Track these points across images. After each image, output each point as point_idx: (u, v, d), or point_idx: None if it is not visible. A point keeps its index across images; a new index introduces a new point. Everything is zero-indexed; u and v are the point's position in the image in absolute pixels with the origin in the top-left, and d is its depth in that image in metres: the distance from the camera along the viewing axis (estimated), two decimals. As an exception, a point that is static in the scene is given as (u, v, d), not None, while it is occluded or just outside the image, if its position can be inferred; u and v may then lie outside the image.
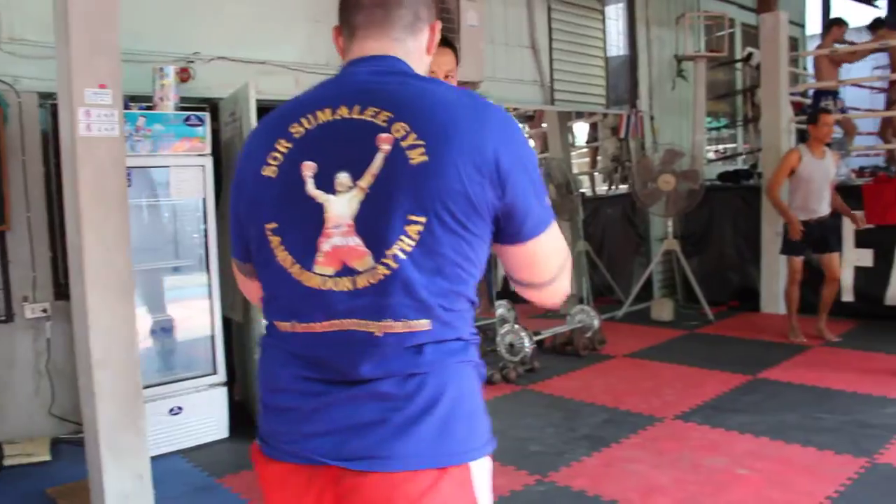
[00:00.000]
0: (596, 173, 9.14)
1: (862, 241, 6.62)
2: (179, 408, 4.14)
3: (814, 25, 12.32)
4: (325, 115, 1.24)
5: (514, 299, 6.61)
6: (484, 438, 1.28)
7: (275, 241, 1.25)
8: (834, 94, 7.98)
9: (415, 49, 1.34)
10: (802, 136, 9.09)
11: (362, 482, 1.19)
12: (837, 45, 7.89)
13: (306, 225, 1.22)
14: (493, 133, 1.19)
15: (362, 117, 1.21)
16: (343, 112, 1.23)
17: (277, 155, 1.26)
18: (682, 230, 7.74)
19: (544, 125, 7.73)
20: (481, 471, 1.26)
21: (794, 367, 5.32)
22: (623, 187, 8.10)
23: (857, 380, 4.90)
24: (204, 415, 4.23)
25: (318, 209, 1.20)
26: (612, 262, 7.85)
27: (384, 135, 1.18)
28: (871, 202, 6.59)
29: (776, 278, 6.93)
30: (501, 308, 6.18)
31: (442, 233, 1.17)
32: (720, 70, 9.58)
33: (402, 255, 1.17)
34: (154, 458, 3.51)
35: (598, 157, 8.69)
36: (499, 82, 6.51)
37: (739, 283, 7.57)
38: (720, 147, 10.51)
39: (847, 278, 6.68)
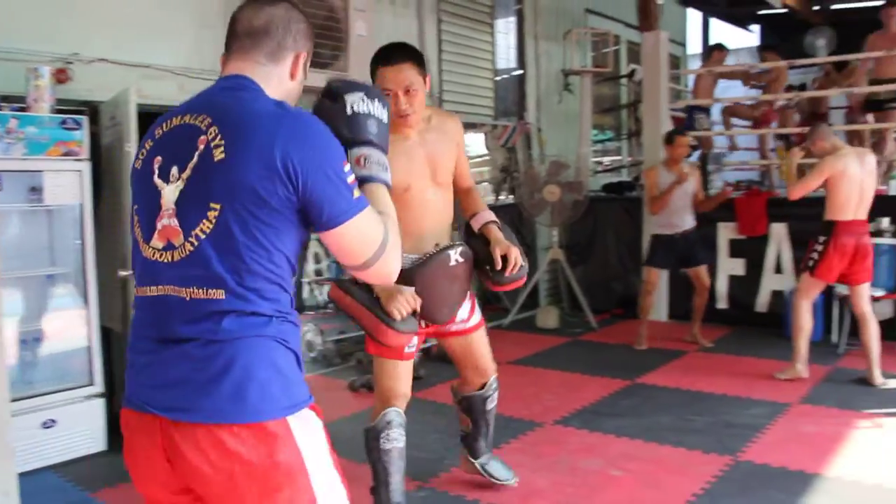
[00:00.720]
0: (485, 183, 9.28)
1: (734, 251, 6.96)
2: (53, 420, 3.96)
3: (694, 45, 12.93)
4: (176, 121, 1.53)
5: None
6: (282, 403, 1.47)
7: (135, 219, 1.56)
8: (707, 110, 8.38)
9: (275, 73, 1.60)
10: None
11: (176, 430, 1.43)
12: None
13: (150, 207, 1.50)
14: (286, 137, 1.42)
15: (194, 122, 1.49)
16: (187, 119, 1.51)
17: (143, 152, 1.57)
18: (567, 240, 7.94)
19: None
20: (300, 428, 1.48)
21: (670, 371, 5.54)
22: (511, 197, 8.26)
23: (727, 383, 5.14)
24: (79, 427, 4.06)
25: (158, 195, 1.49)
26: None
27: (202, 136, 1.46)
28: (743, 214, 6.93)
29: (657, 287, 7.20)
30: (391, 316, 6.20)
31: (234, 219, 1.42)
32: (606, 85, 9.89)
33: (202, 235, 1.43)
34: (24, 475, 3.37)
35: (487, 168, 8.84)
36: (388, 92, 6.54)
37: (622, 291, 7.82)
38: (606, 159, 10.84)
39: (721, 286, 7.01)
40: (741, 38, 13.96)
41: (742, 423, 4.32)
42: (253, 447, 1.43)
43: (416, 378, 5.32)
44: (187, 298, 1.45)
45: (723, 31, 13.69)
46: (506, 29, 8.21)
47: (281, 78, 1.61)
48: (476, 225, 3.01)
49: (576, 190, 7.21)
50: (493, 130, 7.98)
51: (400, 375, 3.00)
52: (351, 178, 1.50)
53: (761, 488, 3.45)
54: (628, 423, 4.37)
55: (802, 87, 9.98)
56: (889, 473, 3.58)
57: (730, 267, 6.99)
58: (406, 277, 2.59)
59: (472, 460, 3.46)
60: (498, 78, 7.93)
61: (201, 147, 1.45)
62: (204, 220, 1.43)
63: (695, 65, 11.24)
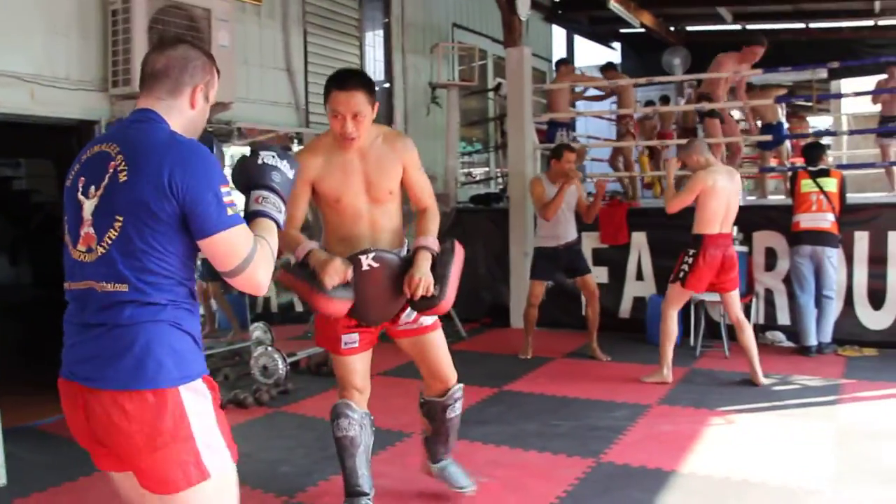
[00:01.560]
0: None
1: (598, 259, 7.19)
2: None
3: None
4: (96, 148, 1.89)
5: (272, 321, 6.51)
6: (174, 374, 1.79)
7: (65, 227, 1.90)
8: (567, 125, 8.62)
9: (175, 106, 1.94)
10: (548, 163, 9.80)
11: (90, 395, 1.79)
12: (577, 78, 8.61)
13: (75, 218, 1.85)
14: (173, 162, 1.77)
15: (107, 150, 1.84)
16: (103, 147, 1.86)
17: (73, 172, 1.91)
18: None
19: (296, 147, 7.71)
20: (189, 397, 1.80)
21: (537, 378, 5.66)
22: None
23: (591, 387, 5.29)
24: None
25: (80, 208, 1.84)
26: None
27: (112, 162, 1.81)
28: (605, 224, 7.18)
29: (524, 296, 7.32)
30: (258, 331, 6.06)
31: (133, 229, 1.77)
32: (473, 98, 10.06)
33: (109, 241, 1.79)
34: None
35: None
36: (252, 104, 6.41)
37: (491, 300, 7.95)
38: (474, 171, 11.01)
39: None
40: (604, 55, 14.52)
41: (605, 425, 4.45)
42: (146, 410, 1.76)
43: (283, 392, 5.26)
44: (100, 291, 1.80)
45: (586, 48, 14.20)
46: (373, 42, 8.22)
47: (181, 109, 1.95)
48: (413, 247, 3.10)
49: (443, 202, 7.26)
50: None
51: (348, 368, 3.17)
52: (228, 199, 1.80)
53: (621, 488, 3.56)
54: (495, 431, 4.42)
55: (652, 103, 10.48)
56: (737, 467, 3.77)
57: (594, 275, 7.19)
58: None
59: (431, 464, 3.47)
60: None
61: (111, 171, 1.80)
62: (111, 230, 1.79)
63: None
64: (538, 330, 6.45)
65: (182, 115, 1.94)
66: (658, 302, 6.78)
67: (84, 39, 5.06)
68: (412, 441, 4.26)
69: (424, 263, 3.01)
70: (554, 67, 9.89)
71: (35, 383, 5.69)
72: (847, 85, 11.94)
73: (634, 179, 9.02)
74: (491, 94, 10.16)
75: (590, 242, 7.17)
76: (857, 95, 8.96)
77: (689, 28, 12.89)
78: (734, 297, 5.32)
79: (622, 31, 13.28)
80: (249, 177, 2.01)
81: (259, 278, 1.86)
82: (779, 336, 6.51)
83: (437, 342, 3.26)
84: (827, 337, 6.14)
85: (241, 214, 1.87)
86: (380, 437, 4.25)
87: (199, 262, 1.94)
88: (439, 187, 7.37)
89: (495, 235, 7.84)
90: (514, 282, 7.55)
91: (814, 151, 6.37)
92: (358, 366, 3.19)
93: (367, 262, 2.96)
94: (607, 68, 9.34)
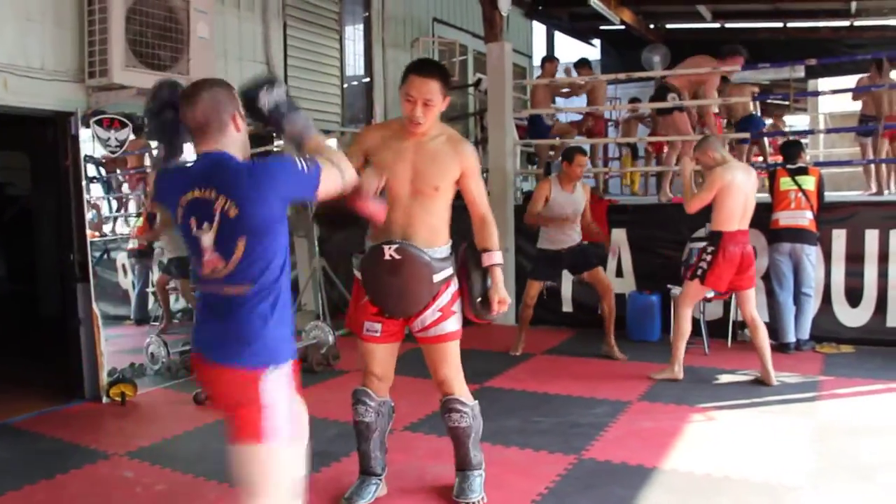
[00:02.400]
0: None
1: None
2: None
3: (540, 56, 13.30)
4: (190, 195, 2.26)
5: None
6: (277, 359, 2.29)
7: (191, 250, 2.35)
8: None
9: (228, 138, 2.31)
10: (530, 158, 9.80)
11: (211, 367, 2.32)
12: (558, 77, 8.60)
13: (196, 248, 2.29)
14: (262, 181, 2.20)
15: (204, 195, 2.23)
16: (196, 193, 2.25)
17: (178, 210, 2.30)
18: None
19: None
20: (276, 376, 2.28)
21: (518, 374, 5.65)
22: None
23: (572, 384, 5.28)
24: None
25: (199, 241, 2.27)
26: (349, 278, 7.86)
27: (216, 204, 2.21)
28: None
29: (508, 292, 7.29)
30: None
31: (253, 245, 2.24)
32: (454, 93, 9.96)
33: (237, 256, 2.24)
34: None
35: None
36: (232, 97, 6.34)
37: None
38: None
39: (566, 291, 7.23)
40: (584, 52, 14.53)
41: (586, 422, 4.44)
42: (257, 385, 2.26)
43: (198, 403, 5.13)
44: (230, 292, 2.29)
45: (567, 44, 14.21)
46: (353, 36, 8.16)
47: (233, 137, 2.32)
48: (485, 262, 3.23)
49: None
50: (342, 137, 7.89)
51: (368, 354, 3.31)
52: (303, 168, 2.24)
53: (603, 484, 3.55)
54: (477, 427, 4.39)
55: (638, 100, 10.49)
56: (719, 463, 3.77)
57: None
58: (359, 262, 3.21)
59: (456, 469, 3.47)
60: (346, 85, 7.85)
61: (217, 211, 2.21)
62: (236, 250, 2.24)
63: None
64: (517, 327, 6.43)
65: (235, 140, 2.33)
66: (638, 299, 6.83)
67: (59, 28, 4.97)
68: (393, 438, 4.12)
69: (501, 282, 3.20)
70: (539, 64, 9.86)
71: (9, 379, 5.64)
72: (824, 84, 12.04)
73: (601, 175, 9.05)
74: (471, 90, 10.13)
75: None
76: (835, 93, 9.02)
77: (668, 25, 12.94)
78: (750, 295, 5.28)
79: (602, 27, 13.30)
80: (267, 111, 2.48)
81: (353, 174, 2.43)
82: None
83: (443, 353, 3.27)
84: (805, 334, 6.18)
85: (306, 159, 2.28)
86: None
87: (166, 261, 2.34)
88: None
89: (471, 229, 7.78)
90: (493, 278, 7.51)
91: (792, 149, 6.40)
92: (378, 354, 3.30)
93: (389, 251, 3.04)
94: (581, 65, 9.33)
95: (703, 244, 5.52)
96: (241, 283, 2.25)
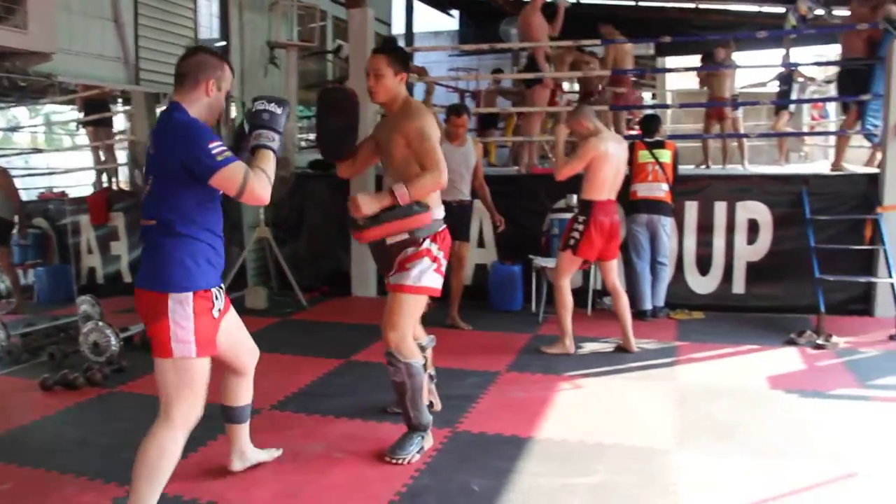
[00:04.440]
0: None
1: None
2: None
3: (398, 25, 13.15)
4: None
5: (99, 293, 6.01)
6: (180, 287, 2.67)
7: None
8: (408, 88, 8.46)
9: (195, 97, 2.73)
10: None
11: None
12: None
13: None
14: (175, 136, 2.62)
15: (155, 130, 2.72)
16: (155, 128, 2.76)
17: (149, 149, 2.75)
18: (274, 217, 7.69)
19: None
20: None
21: (384, 348, 5.51)
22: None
23: (440, 357, 5.13)
24: None
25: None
26: (298, 254, 7.57)
27: (152, 141, 2.69)
28: (448, 191, 7.11)
29: (365, 263, 7.14)
30: (85, 304, 5.57)
31: (159, 185, 2.65)
32: (312, 60, 9.72)
33: (146, 190, 2.68)
34: None
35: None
36: (76, 56, 5.83)
37: (331, 268, 7.73)
38: (312, 136, 10.66)
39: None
40: (443, 22, 14.50)
41: (458, 394, 4.39)
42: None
43: (117, 370, 4.85)
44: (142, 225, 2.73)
45: (426, 14, 14.10)
46: (207, -5, 7.70)
47: (199, 98, 2.74)
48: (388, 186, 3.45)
49: (282, 166, 6.94)
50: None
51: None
52: (216, 150, 2.58)
53: (480, 457, 3.51)
54: (346, 404, 4.27)
55: (500, 71, 10.53)
56: (590, 430, 3.82)
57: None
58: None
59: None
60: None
61: (149, 148, 2.70)
62: (147, 185, 2.67)
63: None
64: (380, 298, 6.30)
65: (200, 101, 2.73)
66: (500, 269, 6.86)
67: None
68: (262, 417, 4.03)
69: (375, 195, 3.37)
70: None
71: None
72: (671, 62, 12.55)
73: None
74: (330, 57, 9.84)
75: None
76: (687, 71, 9.40)
77: (525, -1, 13.05)
78: (614, 265, 5.37)
79: (461, -2, 13.30)
80: (249, 122, 2.80)
81: (259, 194, 2.66)
82: (612, 300, 6.73)
83: (393, 303, 3.50)
84: (661, 301, 6.42)
85: (228, 156, 2.60)
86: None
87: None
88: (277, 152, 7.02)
89: (335, 201, 7.57)
90: (354, 248, 7.37)
91: (651, 123, 6.58)
92: None
93: (360, 220, 3.36)
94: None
95: (568, 215, 5.57)
96: (150, 217, 2.67)
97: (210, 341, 2.75)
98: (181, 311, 2.63)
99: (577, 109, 5.44)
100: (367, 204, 3.29)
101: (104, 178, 9.05)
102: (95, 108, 8.42)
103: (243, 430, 3.32)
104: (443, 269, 3.61)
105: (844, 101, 7.64)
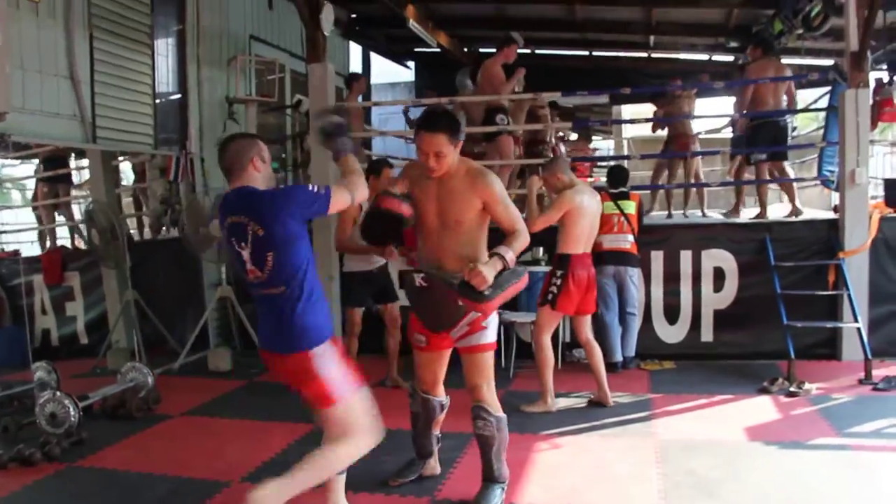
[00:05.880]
0: (144, 216, 8.55)
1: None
2: None
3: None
4: (230, 220, 3.03)
5: (55, 357, 5.80)
6: (317, 340, 3.04)
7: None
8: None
9: (251, 174, 3.08)
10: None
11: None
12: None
13: (240, 260, 3.06)
14: (277, 205, 2.96)
15: (239, 220, 2.99)
16: (233, 219, 3.02)
17: (224, 230, 3.10)
18: (235, 276, 7.53)
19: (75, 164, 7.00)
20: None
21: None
22: (174, 231, 7.66)
23: (403, 418, 5.08)
24: None
25: (241, 255, 3.03)
26: (164, 312, 7.36)
27: (248, 227, 2.97)
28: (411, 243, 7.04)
29: (333, 321, 7.01)
30: (40, 371, 5.35)
31: (279, 256, 2.97)
32: (271, 114, 9.66)
33: (269, 266, 2.98)
34: None
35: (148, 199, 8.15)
36: (31, 114, 5.65)
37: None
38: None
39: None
40: (398, 73, 14.57)
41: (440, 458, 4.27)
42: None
43: (76, 443, 4.63)
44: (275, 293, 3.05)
45: (383, 66, 14.15)
46: (166, 51, 7.59)
47: (253, 174, 3.07)
48: (490, 251, 3.47)
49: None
50: (153, 160, 7.35)
51: (418, 360, 3.88)
52: (315, 190, 3.01)
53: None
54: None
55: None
56: (572, 492, 3.78)
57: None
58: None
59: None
60: (158, 101, 7.27)
61: (250, 232, 2.97)
62: (267, 260, 2.98)
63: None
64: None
65: (258, 174, 3.08)
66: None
67: None
68: (231, 490, 3.90)
69: (491, 263, 3.33)
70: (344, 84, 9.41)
71: None
72: (626, 110, 12.76)
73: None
74: (289, 111, 9.79)
75: (396, 265, 6.95)
76: (647, 121, 9.57)
77: (481, 49, 13.19)
78: (588, 318, 5.35)
79: (417, 49, 13.37)
80: (321, 134, 3.26)
81: (363, 192, 3.18)
82: (584, 354, 6.67)
83: (474, 362, 3.65)
84: (631, 351, 6.40)
85: (322, 186, 3.04)
86: (194, 489, 3.93)
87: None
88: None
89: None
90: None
91: (619, 175, 6.59)
92: (423, 360, 3.84)
93: (418, 280, 3.57)
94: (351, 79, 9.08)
95: (535, 268, 5.53)
96: (276, 286, 2.98)
97: (355, 371, 3.16)
98: (327, 359, 3.00)
99: (551, 161, 5.44)
100: (490, 273, 3.29)
101: (58, 236, 8.82)
102: (54, 165, 8.25)
103: (340, 480, 3.43)
104: None
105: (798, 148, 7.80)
